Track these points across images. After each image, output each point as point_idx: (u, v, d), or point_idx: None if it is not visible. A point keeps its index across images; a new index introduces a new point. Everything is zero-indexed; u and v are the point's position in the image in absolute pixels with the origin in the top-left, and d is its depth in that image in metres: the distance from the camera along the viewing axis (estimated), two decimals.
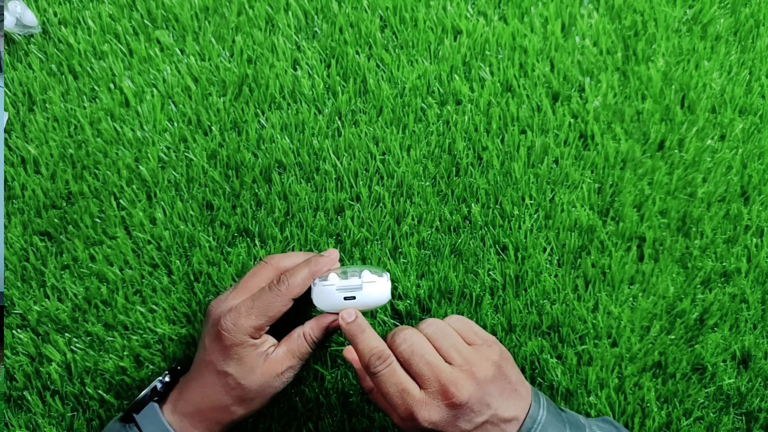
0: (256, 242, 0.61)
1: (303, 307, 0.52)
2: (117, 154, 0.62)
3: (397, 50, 0.63)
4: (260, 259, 0.60)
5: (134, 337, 0.60)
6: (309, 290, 0.51)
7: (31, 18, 0.62)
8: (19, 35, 0.63)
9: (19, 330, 0.61)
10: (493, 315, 0.60)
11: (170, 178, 0.62)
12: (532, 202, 0.61)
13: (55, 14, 0.64)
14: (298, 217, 0.61)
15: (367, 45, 0.63)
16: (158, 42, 0.64)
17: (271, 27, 0.64)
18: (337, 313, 0.50)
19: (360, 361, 0.48)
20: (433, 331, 0.48)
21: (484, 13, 0.64)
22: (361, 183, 0.62)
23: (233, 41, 0.63)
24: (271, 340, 0.51)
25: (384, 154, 0.62)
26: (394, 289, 0.60)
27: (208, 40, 0.63)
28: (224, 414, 0.50)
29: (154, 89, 0.63)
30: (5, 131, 0.63)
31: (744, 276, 0.61)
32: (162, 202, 0.62)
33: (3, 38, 0.64)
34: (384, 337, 0.48)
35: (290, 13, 0.64)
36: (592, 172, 0.62)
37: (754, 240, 0.61)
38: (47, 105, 0.63)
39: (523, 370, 0.60)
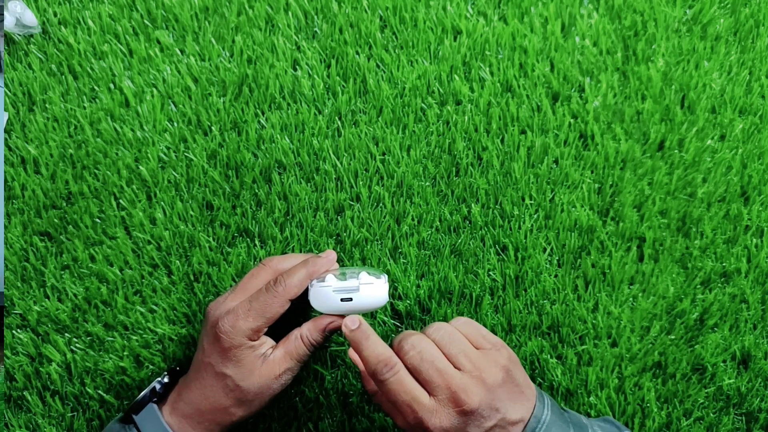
0: (256, 242, 0.61)
1: (302, 309, 0.52)
2: (117, 154, 0.62)
3: (397, 50, 0.63)
4: (260, 260, 0.60)
5: (134, 338, 0.60)
6: (307, 291, 0.51)
7: (31, 18, 0.62)
8: (19, 35, 0.63)
9: (19, 330, 0.61)
10: (493, 315, 0.60)
11: (170, 178, 0.62)
12: (532, 202, 0.61)
13: (55, 14, 0.64)
14: (298, 218, 0.61)
15: (367, 45, 0.63)
16: (158, 42, 0.64)
17: (271, 27, 0.64)
18: (334, 315, 0.50)
19: (366, 368, 0.47)
20: (441, 336, 0.47)
21: (484, 13, 0.64)
22: (361, 183, 0.62)
23: (233, 41, 0.63)
24: (270, 341, 0.51)
25: (384, 154, 0.62)
26: (393, 289, 0.60)
27: (208, 40, 0.63)
28: (223, 415, 0.50)
29: (154, 89, 0.63)
30: (5, 131, 0.63)
31: (744, 276, 0.61)
32: (162, 203, 0.62)
33: (3, 38, 0.64)
34: (387, 341, 0.48)
35: (290, 13, 0.64)
36: (592, 172, 0.62)
37: (754, 240, 0.61)
38: (47, 105, 0.63)
39: None
